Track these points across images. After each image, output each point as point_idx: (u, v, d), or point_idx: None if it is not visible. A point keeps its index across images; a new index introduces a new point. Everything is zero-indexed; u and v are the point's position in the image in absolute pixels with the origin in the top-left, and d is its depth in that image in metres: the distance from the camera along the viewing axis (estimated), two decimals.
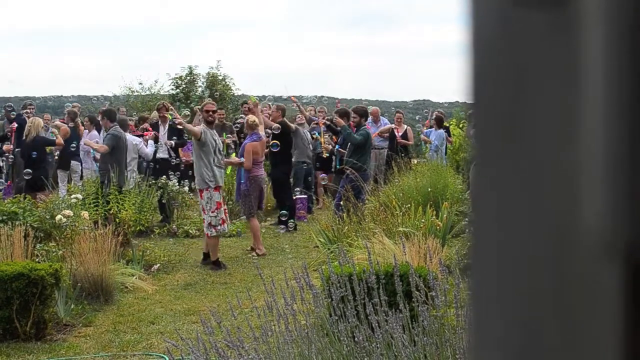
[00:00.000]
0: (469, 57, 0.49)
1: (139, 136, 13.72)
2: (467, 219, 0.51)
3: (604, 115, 0.45)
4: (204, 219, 9.95)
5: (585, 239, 0.46)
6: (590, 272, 0.46)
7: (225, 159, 10.62)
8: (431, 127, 16.78)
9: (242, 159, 11.01)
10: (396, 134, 16.09)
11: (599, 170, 0.45)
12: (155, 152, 13.36)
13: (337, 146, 12.91)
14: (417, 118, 18.47)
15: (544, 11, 0.46)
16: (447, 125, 17.73)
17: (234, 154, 11.97)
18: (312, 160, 14.80)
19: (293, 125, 13.43)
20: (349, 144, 11.94)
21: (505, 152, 0.48)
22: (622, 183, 0.44)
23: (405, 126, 16.70)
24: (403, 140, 16.13)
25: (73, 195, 9.89)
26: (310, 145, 14.52)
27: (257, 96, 13.35)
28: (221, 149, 10.18)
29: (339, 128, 12.53)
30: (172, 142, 13.29)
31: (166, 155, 13.30)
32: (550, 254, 0.47)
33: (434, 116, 16.77)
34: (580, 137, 0.46)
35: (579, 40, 0.45)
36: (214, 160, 9.81)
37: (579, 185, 0.46)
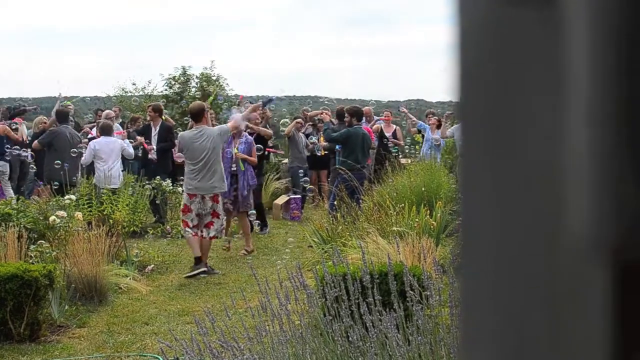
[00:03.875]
0: (457, 57, 0.49)
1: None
2: (458, 219, 0.52)
3: (591, 115, 0.45)
4: (212, 222, 9.87)
5: (572, 240, 0.46)
6: (579, 273, 0.46)
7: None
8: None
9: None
10: (385, 134, 16.06)
11: (586, 170, 0.45)
12: (146, 153, 13.39)
13: (337, 146, 12.90)
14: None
15: (532, 9, 0.46)
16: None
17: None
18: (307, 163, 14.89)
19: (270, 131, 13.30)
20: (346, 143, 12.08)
21: (492, 152, 0.48)
22: (609, 183, 0.44)
23: (395, 126, 16.66)
24: (395, 140, 16.11)
25: (66, 196, 9.87)
26: (305, 150, 14.58)
27: (258, 95, 13.36)
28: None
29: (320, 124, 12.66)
30: (154, 146, 13.28)
31: (155, 157, 13.32)
32: (538, 255, 0.47)
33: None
34: (566, 137, 0.46)
35: (567, 39, 0.45)
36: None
37: (566, 186, 0.46)
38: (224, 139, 10.03)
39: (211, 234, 9.85)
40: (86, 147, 12.63)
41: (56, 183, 11.17)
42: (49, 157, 12.17)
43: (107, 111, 15.07)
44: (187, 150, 9.65)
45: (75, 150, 11.94)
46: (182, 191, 10.13)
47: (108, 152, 12.18)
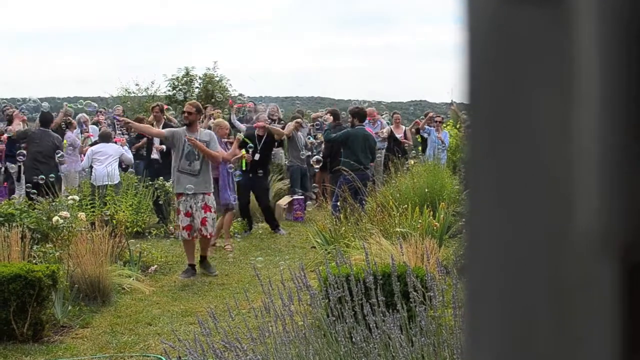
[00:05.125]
0: (465, 56, 0.49)
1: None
2: (463, 220, 0.51)
3: (599, 113, 0.45)
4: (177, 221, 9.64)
5: (581, 239, 0.46)
6: (587, 272, 0.46)
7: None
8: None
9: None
10: (396, 135, 16.10)
11: (594, 168, 0.45)
12: (150, 153, 13.43)
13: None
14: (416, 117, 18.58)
15: (540, 7, 0.46)
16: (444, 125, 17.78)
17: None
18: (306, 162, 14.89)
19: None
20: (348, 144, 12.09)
21: (500, 152, 0.48)
22: (617, 181, 0.44)
23: (404, 127, 16.76)
24: (406, 141, 16.17)
25: (70, 197, 9.88)
26: (305, 149, 14.58)
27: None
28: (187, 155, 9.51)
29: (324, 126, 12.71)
30: (163, 147, 13.27)
31: (158, 157, 13.34)
32: (546, 254, 0.47)
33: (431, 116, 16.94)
34: (575, 135, 0.46)
35: (573, 37, 0.45)
36: (178, 166, 9.43)
37: (575, 184, 0.46)
38: None
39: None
40: (66, 154, 12.89)
41: (29, 185, 11.29)
42: (27, 158, 12.40)
43: (63, 110, 14.96)
44: (175, 146, 9.56)
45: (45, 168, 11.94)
46: (209, 194, 9.60)
47: (105, 155, 12.58)
